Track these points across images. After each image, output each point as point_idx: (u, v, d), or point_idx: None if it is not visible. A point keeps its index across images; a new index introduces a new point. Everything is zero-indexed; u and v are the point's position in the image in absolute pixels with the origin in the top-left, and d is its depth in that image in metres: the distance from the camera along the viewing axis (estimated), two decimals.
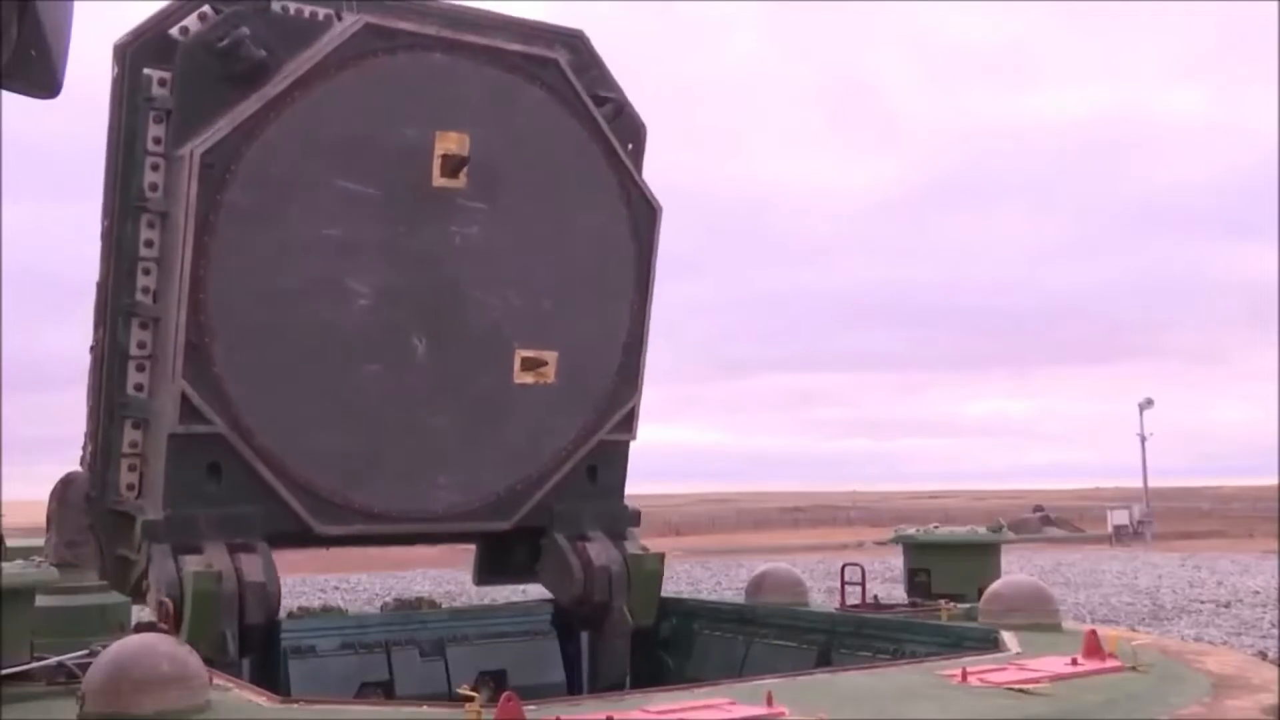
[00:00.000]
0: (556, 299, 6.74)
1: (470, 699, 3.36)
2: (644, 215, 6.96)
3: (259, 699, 3.96)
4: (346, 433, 6.17)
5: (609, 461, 7.08)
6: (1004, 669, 4.24)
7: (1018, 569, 14.80)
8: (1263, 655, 12.99)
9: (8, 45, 2.31)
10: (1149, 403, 61.53)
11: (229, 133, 5.75)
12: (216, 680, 4.00)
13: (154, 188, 5.92)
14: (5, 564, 4.49)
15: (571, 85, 6.55)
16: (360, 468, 6.23)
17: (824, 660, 6.03)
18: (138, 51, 5.90)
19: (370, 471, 6.25)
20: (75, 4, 2.54)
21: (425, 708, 3.81)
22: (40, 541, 6.42)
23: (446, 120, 6.23)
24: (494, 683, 6.11)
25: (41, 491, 6.53)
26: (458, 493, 6.50)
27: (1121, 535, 55.72)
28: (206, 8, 5.93)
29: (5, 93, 2.49)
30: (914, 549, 6.88)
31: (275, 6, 6.02)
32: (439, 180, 6.23)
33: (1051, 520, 68.23)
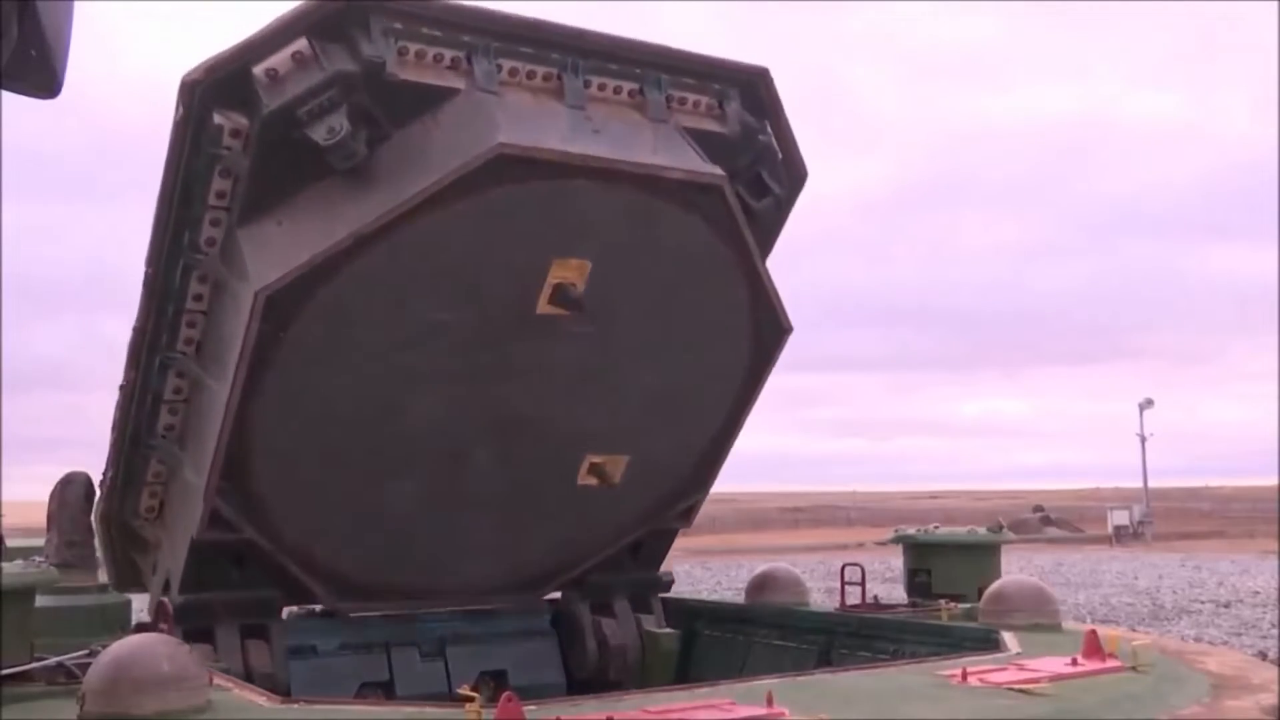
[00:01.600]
0: (645, 411, 6.09)
1: (470, 699, 3.36)
2: (769, 334, 6.12)
3: (259, 699, 3.96)
4: (385, 532, 5.84)
5: (656, 540, 6.86)
6: (1004, 669, 4.24)
7: (1018, 569, 14.82)
8: (1263, 655, 13.01)
9: (8, 45, 2.31)
10: (1149, 403, 61.64)
11: (306, 272, 4.92)
12: (216, 681, 4.00)
13: (210, 243, 5.24)
14: (5, 564, 4.49)
15: (731, 215, 5.62)
16: (394, 557, 5.96)
17: (824, 660, 6.02)
18: (209, 90, 4.92)
19: (403, 559, 5.99)
20: (75, 4, 2.54)
21: (425, 708, 3.80)
22: (40, 541, 6.42)
23: (570, 246, 5.33)
24: (494, 683, 6.11)
25: (41, 491, 6.53)
26: (492, 570, 6.27)
27: (1121, 535, 55.76)
28: (303, 44, 4.85)
29: (5, 93, 2.49)
30: (914, 549, 6.87)
31: (388, 56, 4.94)
32: (544, 308, 5.38)
33: (1051, 520, 68.27)
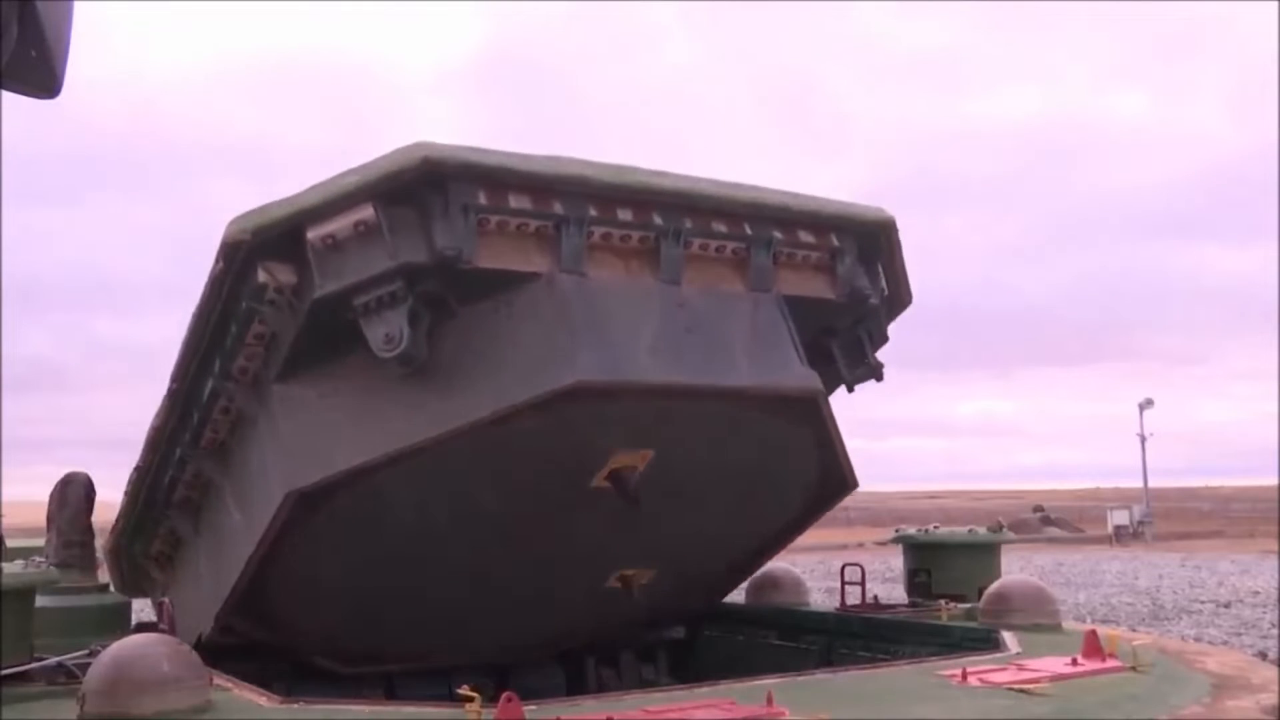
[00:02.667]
0: (686, 540, 5.71)
1: (470, 699, 3.36)
2: (832, 488, 5.77)
3: (259, 699, 3.96)
4: (405, 624, 5.52)
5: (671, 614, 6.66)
6: (1004, 669, 4.23)
7: (1018, 569, 14.82)
8: (1263, 655, 13.01)
9: (8, 45, 2.31)
10: (1149, 403, 61.61)
11: (344, 473, 4.53)
12: (217, 680, 3.99)
13: (243, 372, 4.82)
14: (5, 564, 4.49)
15: (824, 423, 5.25)
16: (411, 641, 5.67)
17: (824, 660, 6.02)
18: (255, 249, 4.39)
19: (420, 640, 5.67)
20: (75, 4, 2.54)
21: (425, 708, 3.80)
22: (40, 541, 6.42)
23: (637, 442, 4.90)
24: (494, 683, 6.11)
25: (41, 491, 6.53)
26: (504, 642, 5.95)
27: (1121, 535, 55.77)
28: (368, 213, 4.23)
29: (5, 93, 2.49)
30: (914, 549, 6.87)
31: (464, 244, 4.31)
32: (598, 483, 4.96)
33: (1051, 520, 68.28)
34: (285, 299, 4.46)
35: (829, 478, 5.66)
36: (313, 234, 4.29)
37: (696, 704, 3.65)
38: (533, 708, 3.44)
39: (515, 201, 4.44)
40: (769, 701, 3.56)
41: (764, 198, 5.02)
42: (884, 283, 5.58)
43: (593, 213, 4.57)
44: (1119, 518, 58.02)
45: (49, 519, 6.33)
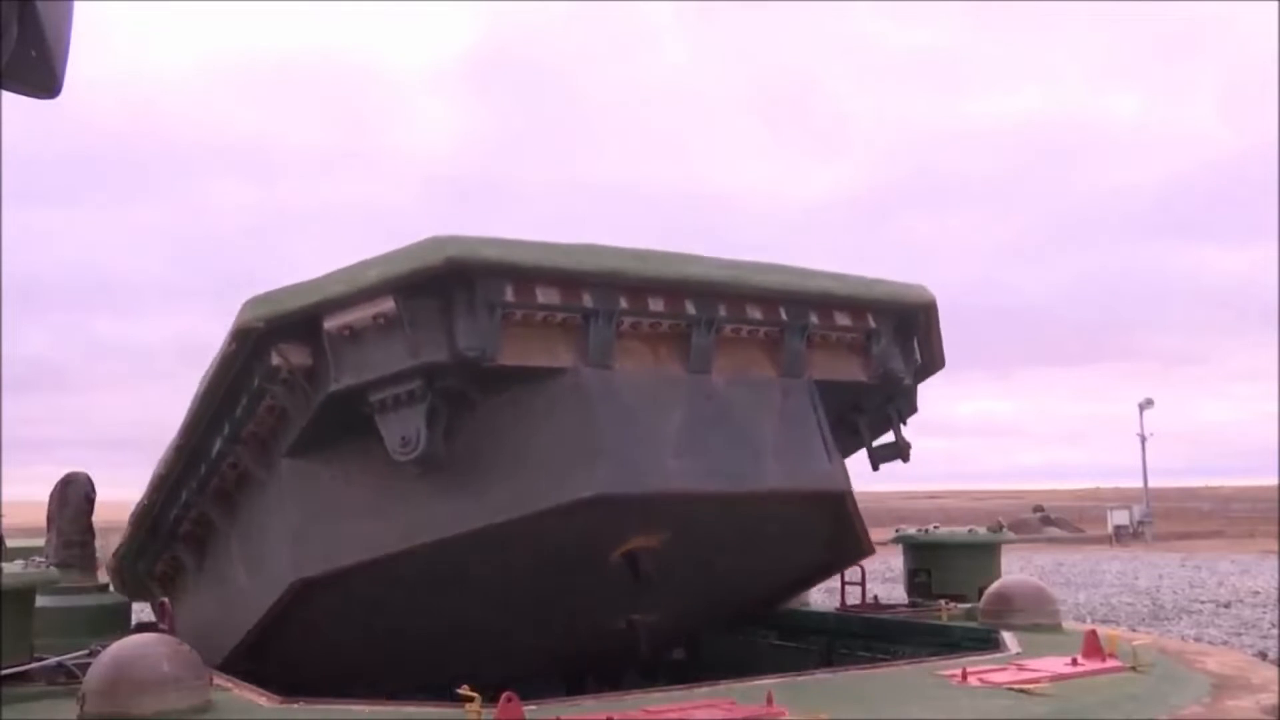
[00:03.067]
0: (697, 594, 5.55)
1: (470, 699, 3.36)
2: (849, 554, 5.56)
3: (259, 699, 3.96)
4: (401, 665, 5.34)
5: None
6: (1004, 669, 4.23)
7: (1018, 569, 14.80)
8: (1263, 655, 13.00)
9: (8, 45, 2.31)
10: (1149, 403, 61.53)
11: (354, 565, 4.43)
12: (217, 680, 3.99)
13: (253, 436, 4.69)
14: (5, 564, 4.49)
15: (849, 517, 5.16)
16: (405, 673, 5.44)
17: (824, 660, 6.02)
18: (268, 336, 4.26)
19: (414, 672, 5.43)
20: (75, 4, 2.54)
21: (425, 707, 3.80)
22: (40, 541, 6.42)
23: (656, 528, 4.74)
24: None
25: (41, 491, 6.53)
26: (506, 667, 5.71)
27: (1121, 535, 55.75)
28: (389, 306, 4.06)
29: (5, 93, 2.49)
30: (914, 549, 6.87)
31: (488, 344, 4.14)
32: (614, 558, 4.83)
33: (1052, 520, 68.24)
34: (299, 381, 4.31)
35: (845, 546, 5.54)
36: (330, 324, 4.13)
37: (696, 704, 3.65)
38: (533, 708, 3.43)
39: (543, 295, 4.27)
40: (769, 701, 3.56)
41: (802, 285, 4.86)
42: (918, 355, 5.44)
43: (623, 304, 4.41)
44: (1119, 518, 57.99)
45: (49, 519, 6.33)
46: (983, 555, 6.70)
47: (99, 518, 6.42)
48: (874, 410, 5.44)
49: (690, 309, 4.55)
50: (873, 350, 5.12)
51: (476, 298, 4.12)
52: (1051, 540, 56.71)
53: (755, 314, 4.74)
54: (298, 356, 4.26)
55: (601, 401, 4.35)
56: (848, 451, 5.49)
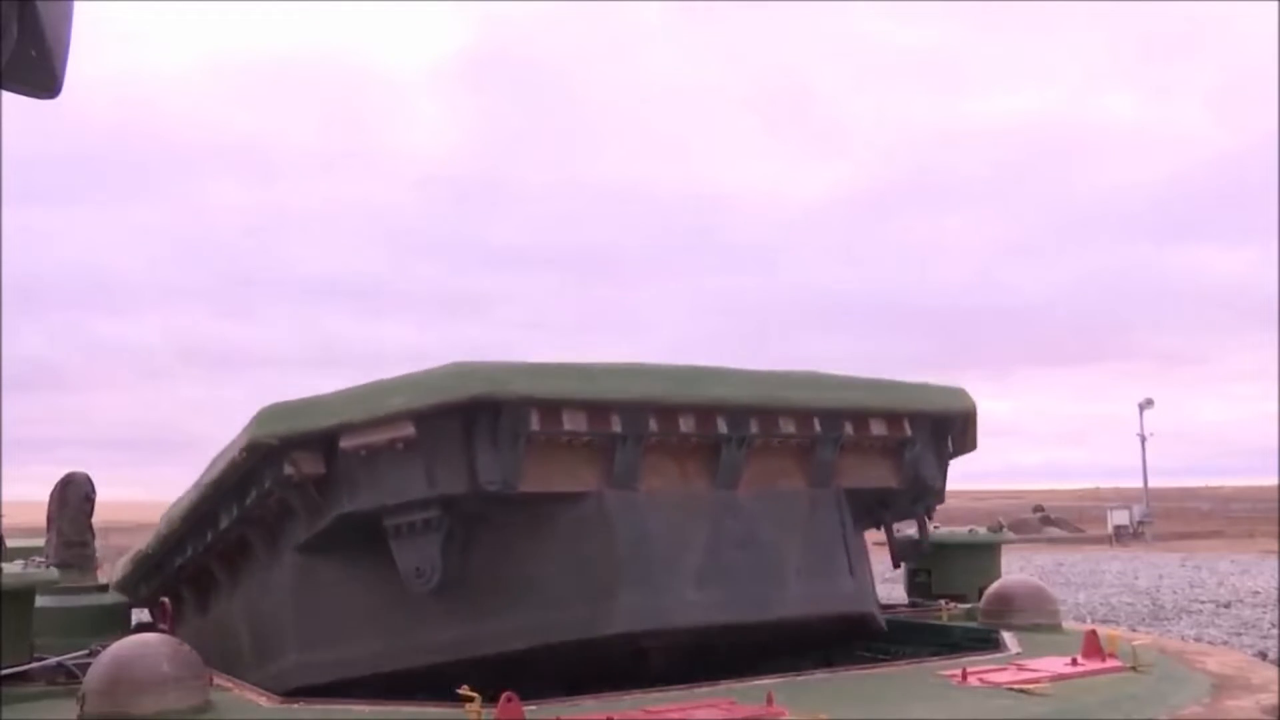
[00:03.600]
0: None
1: (470, 699, 3.36)
2: (865, 633, 5.22)
3: (259, 699, 3.96)
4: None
5: None
6: (1004, 669, 4.23)
7: (1018, 569, 14.79)
8: (1263, 655, 12.99)
9: (8, 45, 2.31)
10: (1149, 403, 61.58)
11: (356, 679, 4.30)
12: (217, 680, 3.99)
13: (261, 521, 4.61)
14: (5, 564, 4.49)
15: (868, 627, 5.01)
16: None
17: (824, 660, 6.01)
18: (281, 449, 4.16)
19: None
20: (75, 4, 2.54)
21: (425, 707, 3.80)
22: (40, 541, 6.42)
23: (671, 643, 4.56)
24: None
25: (41, 491, 6.53)
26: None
27: (1121, 535, 55.77)
28: (409, 431, 3.98)
29: (5, 93, 2.49)
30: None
31: (510, 473, 4.05)
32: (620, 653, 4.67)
33: (1051, 520, 68.30)
34: (310, 490, 4.20)
35: (863, 629, 5.35)
36: (347, 443, 4.02)
37: (696, 704, 3.65)
38: (533, 708, 3.43)
39: (570, 422, 4.17)
40: (769, 701, 3.56)
41: (838, 399, 4.77)
42: (950, 448, 5.34)
43: (653, 427, 4.32)
44: (1119, 518, 58.02)
45: (49, 519, 6.32)
46: (983, 555, 6.69)
47: (99, 518, 6.42)
48: (899, 507, 5.40)
49: (722, 427, 4.47)
50: (905, 456, 5.05)
51: (501, 428, 4.04)
52: (1051, 540, 56.73)
53: (789, 428, 4.65)
54: (311, 466, 4.15)
55: (624, 527, 4.27)
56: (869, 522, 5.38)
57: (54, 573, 4.88)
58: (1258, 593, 25.60)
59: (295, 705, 3.88)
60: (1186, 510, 77.04)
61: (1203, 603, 23.76)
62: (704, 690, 3.97)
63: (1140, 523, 57.61)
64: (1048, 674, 4.09)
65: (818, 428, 4.71)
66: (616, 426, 4.25)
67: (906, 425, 4.99)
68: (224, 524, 4.76)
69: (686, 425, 4.41)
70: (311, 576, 4.53)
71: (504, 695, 3.29)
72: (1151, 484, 61.37)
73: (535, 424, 4.08)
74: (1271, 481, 71.73)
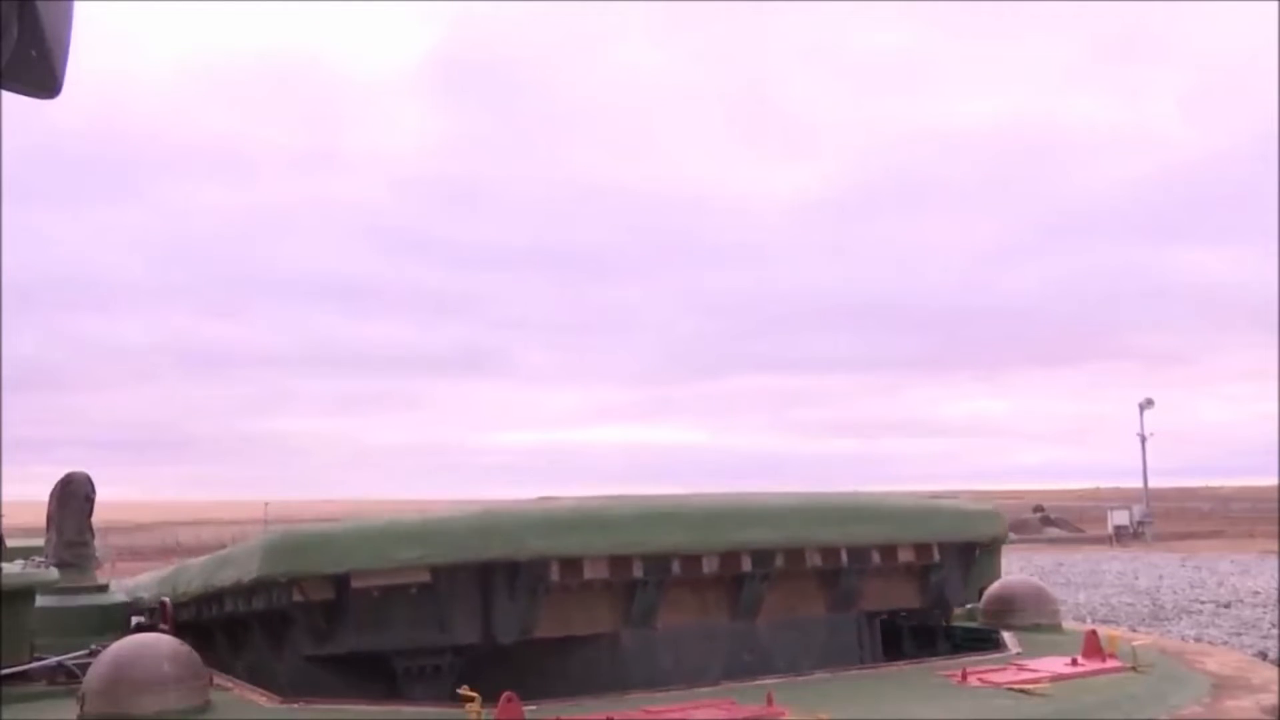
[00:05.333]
0: None
1: (470, 699, 3.35)
2: None
3: (259, 699, 3.95)
4: None
5: None
6: (1004, 669, 4.23)
7: (1018, 569, 14.79)
8: (1263, 655, 13.01)
9: (8, 45, 2.30)
10: (1149, 403, 61.60)
11: None
12: (217, 680, 3.99)
13: (264, 618, 4.46)
14: (5, 564, 4.49)
15: None
16: None
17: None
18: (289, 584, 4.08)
19: None
20: (75, 4, 2.54)
21: (425, 707, 3.80)
22: (40, 541, 6.42)
23: None
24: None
25: (41, 491, 6.53)
26: None
27: (1121, 535, 55.80)
28: (426, 578, 3.92)
29: (5, 92, 2.49)
30: None
31: (528, 617, 3.97)
32: None
33: (1052, 520, 68.35)
34: (319, 616, 4.07)
35: None
36: (359, 583, 3.91)
37: (696, 704, 3.64)
38: (533, 708, 3.43)
39: (591, 571, 4.08)
40: (769, 702, 3.56)
41: (869, 536, 4.67)
42: (976, 569, 5.28)
43: (676, 570, 4.23)
44: (1119, 518, 58.06)
45: (49, 519, 6.32)
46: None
47: (98, 518, 6.42)
48: (916, 615, 5.37)
49: (746, 566, 4.39)
50: (932, 578, 5.02)
51: (519, 581, 3.98)
52: (1051, 540, 56.76)
53: (815, 561, 4.58)
54: (319, 593, 4.04)
55: (638, 666, 4.21)
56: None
57: (54, 573, 4.88)
58: (1258, 593, 25.61)
59: (295, 705, 3.88)
60: (1186, 510, 77.09)
61: (1203, 603, 23.78)
62: (704, 690, 3.97)
63: (1140, 523, 57.64)
64: (1048, 674, 4.09)
65: (844, 560, 4.63)
66: (638, 572, 4.17)
67: (936, 552, 4.93)
68: (229, 608, 4.68)
69: (710, 567, 4.33)
70: (311, 678, 4.42)
71: (504, 695, 3.29)
72: (1151, 484, 61.42)
73: (555, 575, 4.01)
74: (1271, 481, 71.85)
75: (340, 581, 3.98)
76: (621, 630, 4.21)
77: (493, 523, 4.04)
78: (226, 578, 4.44)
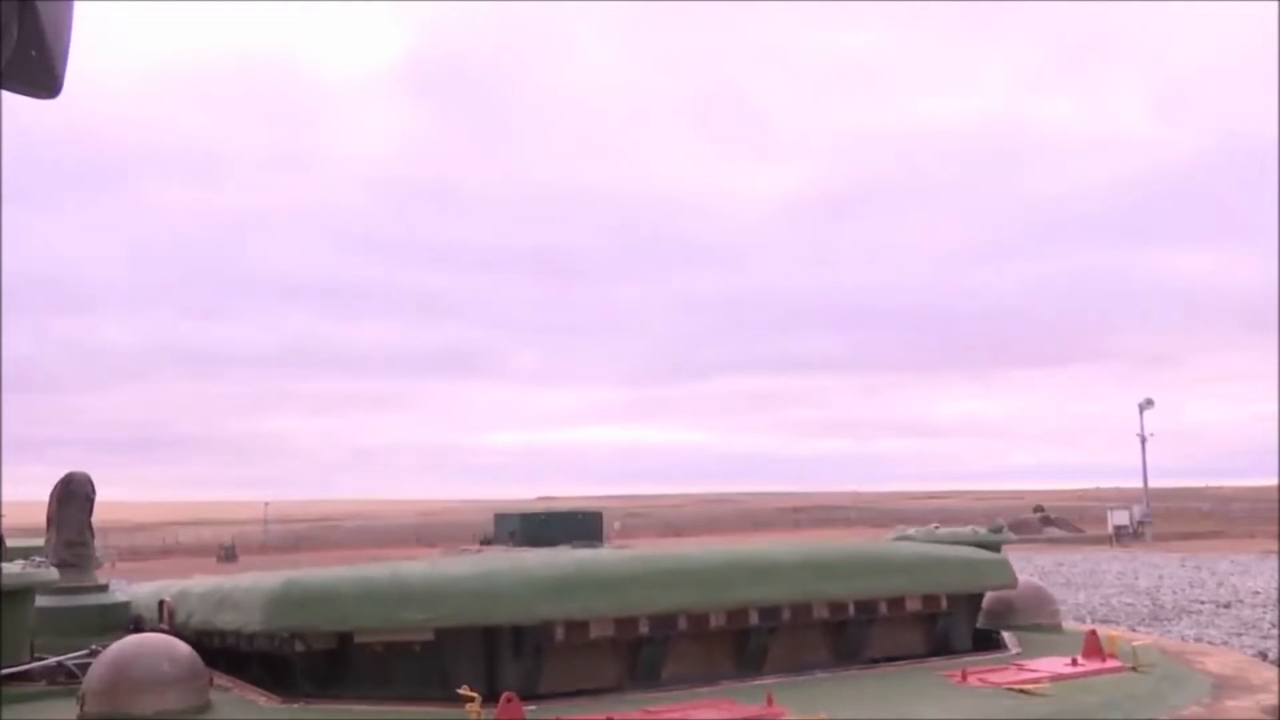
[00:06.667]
0: None
1: (470, 699, 3.36)
2: None
3: (259, 699, 3.96)
4: None
5: None
6: (1004, 669, 4.23)
7: (1018, 569, 14.78)
8: (1263, 655, 13.01)
9: (8, 45, 2.30)
10: (1149, 403, 61.62)
11: None
12: (217, 680, 3.99)
13: (268, 661, 4.37)
14: (5, 564, 4.49)
15: None
16: None
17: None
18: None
19: None
20: (75, 4, 2.53)
21: (425, 708, 3.80)
22: (40, 541, 6.42)
23: None
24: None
25: (41, 491, 6.53)
26: None
27: (1121, 535, 55.80)
28: (429, 637, 3.97)
29: (5, 92, 2.48)
30: None
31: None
32: None
33: (1052, 520, 68.37)
34: (320, 662, 4.08)
35: None
36: (363, 639, 3.98)
37: (696, 704, 3.65)
38: (533, 708, 3.43)
39: (597, 631, 4.09)
40: (769, 702, 3.56)
41: (877, 589, 4.68)
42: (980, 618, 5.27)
43: (682, 626, 4.24)
44: (1119, 518, 58.06)
45: (49, 519, 6.32)
46: None
47: (98, 517, 6.42)
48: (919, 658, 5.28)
49: (753, 620, 4.41)
50: (938, 625, 5.01)
51: (524, 643, 3.98)
52: (1051, 540, 56.78)
53: (822, 614, 4.60)
54: (322, 644, 4.06)
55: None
56: None
57: (54, 573, 4.88)
58: (1258, 593, 25.61)
59: (295, 705, 3.88)
60: (1186, 510, 77.13)
61: (1203, 603, 23.77)
62: (704, 690, 3.97)
63: (1140, 523, 57.65)
64: (1048, 674, 4.09)
65: (852, 612, 4.65)
66: (644, 630, 4.17)
67: (944, 602, 4.94)
68: (230, 643, 4.61)
69: (717, 622, 4.34)
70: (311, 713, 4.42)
71: (504, 695, 3.29)
72: (1152, 484, 61.44)
73: (560, 636, 4.01)
74: (1271, 481, 71.92)
75: (343, 634, 3.98)
76: (625, 683, 4.19)
77: (498, 585, 4.03)
78: (228, 621, 4.42)
